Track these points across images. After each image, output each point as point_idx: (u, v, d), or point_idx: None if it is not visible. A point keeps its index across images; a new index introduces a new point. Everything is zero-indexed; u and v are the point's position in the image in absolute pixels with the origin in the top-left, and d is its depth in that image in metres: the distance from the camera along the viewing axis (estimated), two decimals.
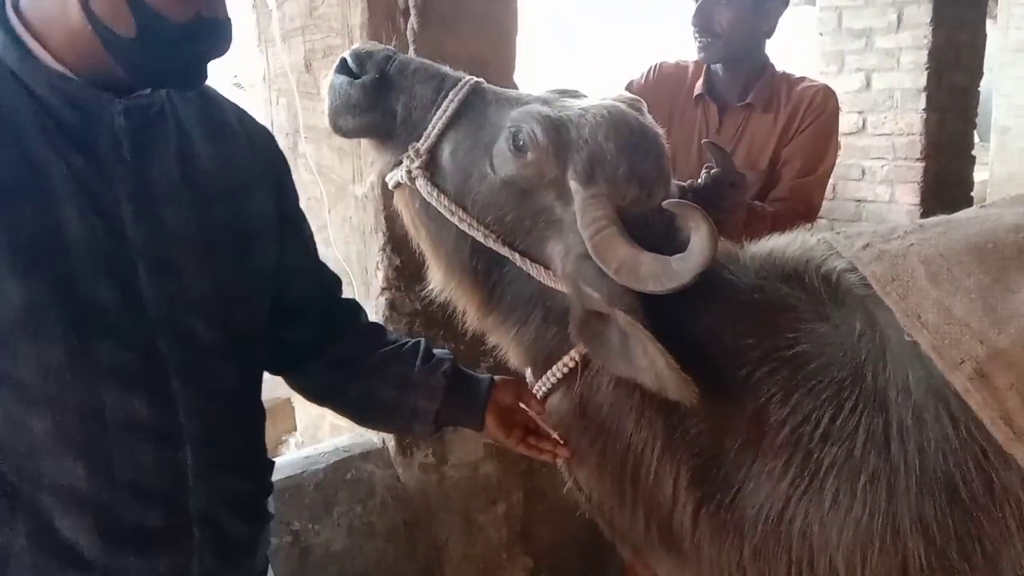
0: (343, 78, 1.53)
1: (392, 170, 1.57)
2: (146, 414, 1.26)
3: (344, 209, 2.43)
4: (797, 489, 1.31)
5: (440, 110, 1.50)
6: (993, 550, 1.20)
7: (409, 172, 1.52)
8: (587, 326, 1.39)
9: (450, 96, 1.51)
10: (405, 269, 2.32)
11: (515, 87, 2.45)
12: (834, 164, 2.72)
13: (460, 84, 1.53)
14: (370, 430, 2.50)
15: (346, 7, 2.22)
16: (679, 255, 1.32)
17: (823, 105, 2.64)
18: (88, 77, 1.22)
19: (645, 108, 1.55)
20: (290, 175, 1.57)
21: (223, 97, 1.48)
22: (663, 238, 1.43)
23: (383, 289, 2.34)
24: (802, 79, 2.73)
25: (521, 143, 1.43)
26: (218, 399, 1.36)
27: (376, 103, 1.53)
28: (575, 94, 1.56)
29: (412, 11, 2.08)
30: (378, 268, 2.34)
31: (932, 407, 1.24)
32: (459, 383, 1.64)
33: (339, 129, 1.58)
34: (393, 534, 2.44)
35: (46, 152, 1.18)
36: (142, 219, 1.26)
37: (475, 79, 1.56)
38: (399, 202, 1.63)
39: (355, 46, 1.55)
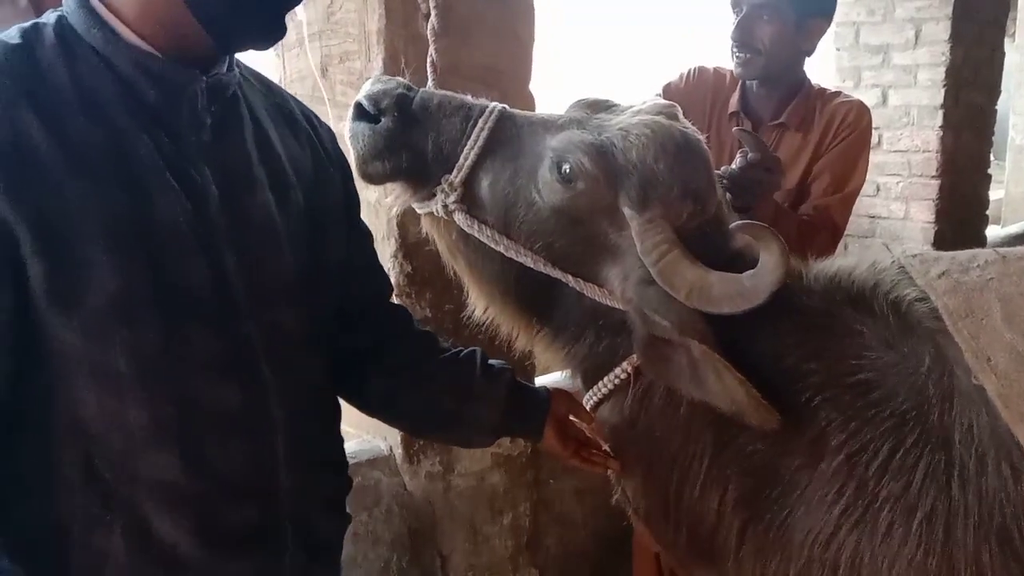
0: (363, 124, 1.48)
1: (424, 202, 1.53)
2: (240, 403, 1.22)
3: None
4: (849, 518, 1.28)
5: (471, 140, 1.47)
6: None
7: (445, 206, 1.48)
8: (653, 349, 1.36)
9: (479, 125, 1.47)
10: (416, 276, 2.32)
11: (531, 97, 2.46)
12: (862, 183, 2.66)
13: (488, 112, 1.49)
14: (377, 437, 2.49)
15: (363, 13, 2.21)
16: (749, 272, 1.30)
17: (856, 122, 2.59)
18: (169, 54, 1.18)
19: (681, 113, 1.51)
20: (352, 174, 1.53)
21: (283, 89, 1.46)
22: (721, 247, 1.42)
23: (394, 296, 2.33)
24: (836, 94, 2.68)
25: (568, 173, 1.39)
26: (304, 390, 1.34)
27: (403, 144, 1.48)
28: (607, 106, 1.52)
29: (433, 13, 2.06)
30: (389, 275, 2.33)
31: (994, 455, 1.20)
32: (520, 394, 1.63)
33: (370, 177, 1.53)
34: (398, 542, 2.43)
35: (133, 130, 1.15)
36: (226, 202, 1.23)
37: (501, 105, 1.52)
38: (431, 230, 1.60)
39: (366, 87, 1.50)
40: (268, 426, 1.27)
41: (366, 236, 1.58)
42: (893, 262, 1.39)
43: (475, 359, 1.62)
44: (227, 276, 1.21)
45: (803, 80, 2.66)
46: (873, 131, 4.56)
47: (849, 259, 1.44)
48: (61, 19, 1.17)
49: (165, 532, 1.18)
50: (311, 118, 1.47)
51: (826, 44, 4.88)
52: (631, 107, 1.50)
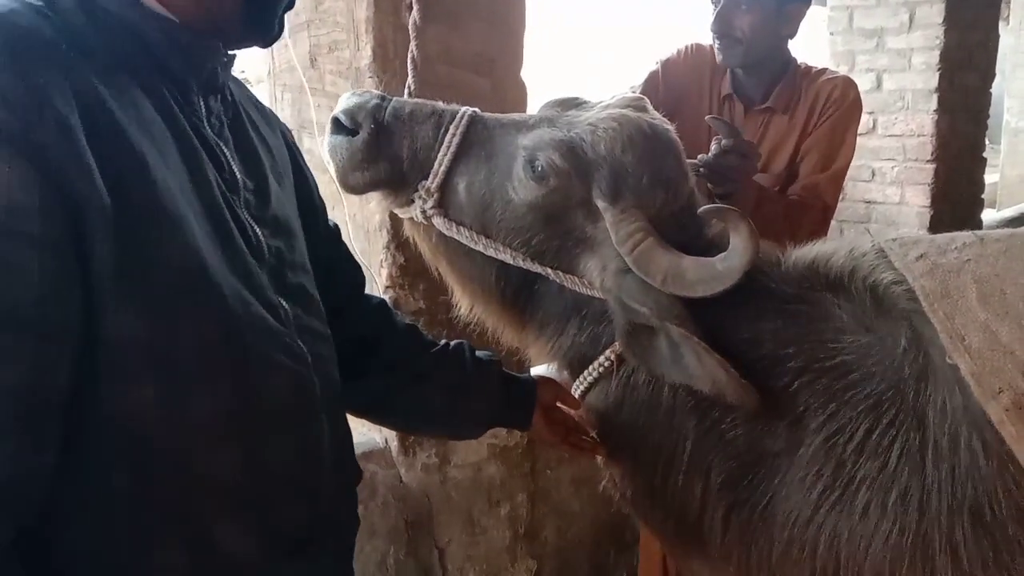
0: (341, 138, 1.52)
1: (404, 207, 1.56)
2: (290, 388, 1.15)
3: (348, 206, 2.41)
4: (828, 498, 1.30)
5: (444, 147, 1.50)
6: None
7: (424, 212, 1.51)
8: (634, 338, 1.39)
9: (451, 130, 1.50)
10: (409, 267, 2.30)
11: (523, 85, 2.44)
12: (850, 160, 2.64)
13: (459, 116, 1.52)
14: (373, 429, 2.48)
15: (352, 2, 2.19)
16: (721, 255, 1.33)
17: (842, 99, 2.58)
18: (192, 24, 1.10)
19: (649, 105, 1.54)
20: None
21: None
22: (697, 234, 1.45)
23: (387, 287, 2.32)
24: (822, 72, 2.66)
25: (540, 170, 1.43)
26: (329, 370, 1.29)
27: (380, 154, 1.51)
28: (576, 103, 1.55)
29: (415, 5, 2.05)
30: (382, 266, 2.32)
31: (966, 434, 1.21)
32: (510, 384, 1.63)
33: (351, 188, 1.57)
34: (395, 535, 2.42)
35: (168, 101, 1.08)
36: (248, 181, 1.20)
37: (472, 109, 1.54)
38: (413, 233, 1.62)
39: (342, 101, 1.53)
40: (315, 411, 1.21)
41: (337, 229, 1.58)
42: (873, 246, 1.40)
43: (464, 352, 1.62)
44: (262, 250, 1.16)
45: (788, 62, 2.65)
46: (868, 116, 4.58)
47: (828, 245, 1.46)
48: None
49: (227, 539, 1.10)
50: (268, 109, 1.45)
51: (820, 28, 4.88)
52: (600, 102, 1.53)
